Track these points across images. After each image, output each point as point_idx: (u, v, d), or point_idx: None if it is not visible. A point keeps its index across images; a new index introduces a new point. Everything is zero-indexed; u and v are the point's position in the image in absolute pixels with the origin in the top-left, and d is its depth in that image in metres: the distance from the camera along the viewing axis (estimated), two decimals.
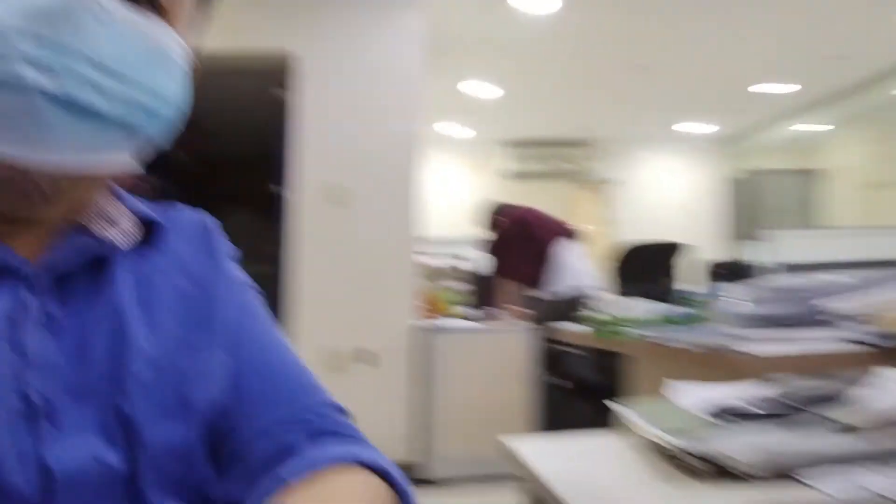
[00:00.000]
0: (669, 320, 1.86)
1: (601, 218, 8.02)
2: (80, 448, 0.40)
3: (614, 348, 1.96)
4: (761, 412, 0.61)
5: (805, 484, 0.50)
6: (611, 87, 5.84)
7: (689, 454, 0.57)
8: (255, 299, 0.57)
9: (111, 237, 0.48)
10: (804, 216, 7.59)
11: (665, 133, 7.59)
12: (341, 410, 0.52)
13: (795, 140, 7.48)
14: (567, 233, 3.69)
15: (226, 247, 0.57)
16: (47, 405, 0.40)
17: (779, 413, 0.60)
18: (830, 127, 7.16)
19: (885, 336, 1.25)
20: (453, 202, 7.44)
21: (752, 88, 6.05)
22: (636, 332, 1.81)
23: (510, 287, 3.73)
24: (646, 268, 3.34)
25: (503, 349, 3.42)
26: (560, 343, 2.93)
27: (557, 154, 7.63)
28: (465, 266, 4.46)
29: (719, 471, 0.56)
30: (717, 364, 1.38)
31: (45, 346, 0.42)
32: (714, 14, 4.31)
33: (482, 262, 4.44)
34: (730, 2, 4.14)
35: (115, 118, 0.41)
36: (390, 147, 3.51)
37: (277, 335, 0.55)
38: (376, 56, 3.55)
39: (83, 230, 0.47)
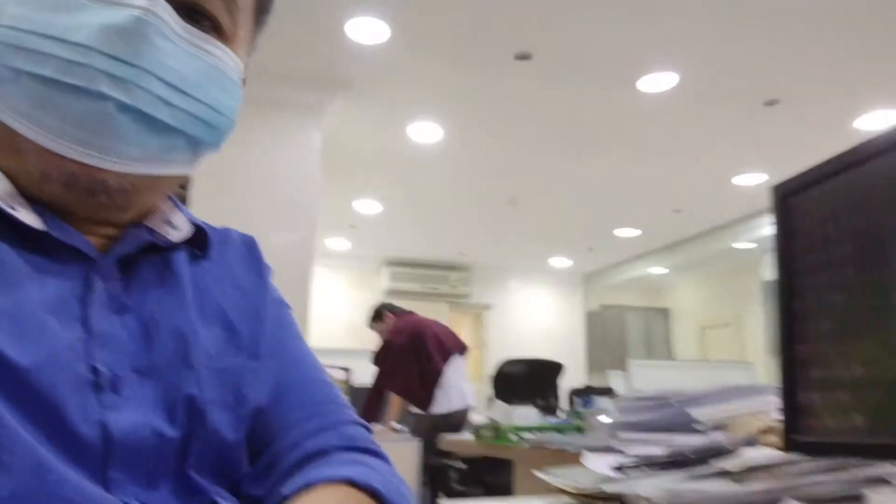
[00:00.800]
0: (554, 428, 2.02)
1: (474, 340, 8.30)
2: (139, 418, 0.44)
3: (499, 454, 2.07)
4: (663, 463, 0.75)
5: None
6: (485, 216, 6.32)
7: (604, 497, 0.69)
8: (292, 318, 0.62)
9: (168, 234, 0.52)
10: (651, 349, 8.34)
11: (535, 265, 8.19)
12: (365, 427, 0.57)
13: (643, 280, 8.35)
14: (460, 349, 3.73)
15: (266, 267, 0.62)
16: (113, 377, 0.44)
17: (677, 463, 0.74)
18: (669, 272, 8.10)
19: (734, 441, 1.45)
20: (333, 315, 7.43)
21: (613, 231, 6.81)
22: (524, 437, 1.94)
23: (394, 401, 3.71)
24: (532, 383, 3.52)
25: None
26: (443, 456, 2.99)
27: (433, 276, 7.95)
28: (343, 377, 4.43)
29: None
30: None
31: (111, 325, 0.46)
32: (576, 158, 4.92)
33: (360, 373, 4.44)
34: (590, 149, 4.76)
35: (179, 129, 0.47)
36: (289, 255, 3.56)
37: (311, 354, 0.60)
38: (275, 166, 3.67)
39: (146, 227, 0.52)
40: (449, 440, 2.72)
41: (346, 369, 4.41)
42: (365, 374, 4.66)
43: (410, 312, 4.00)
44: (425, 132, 4.44)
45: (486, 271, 8.22)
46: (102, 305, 0.46)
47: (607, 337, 8.24)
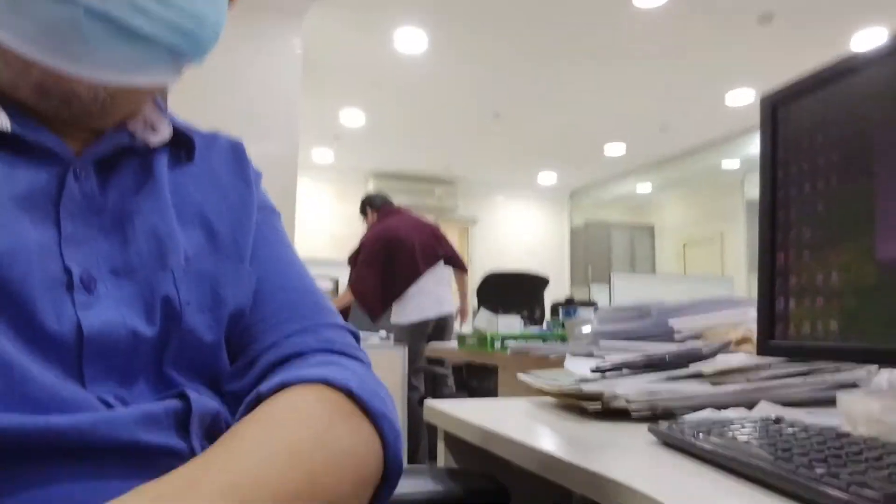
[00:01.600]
0: (537, 337, 2.07)
1: (460, 253, 8.40)
2: (114, 316, 0.44)
3: (483, 361, 2.14)
4: (642, 364, 0.78)
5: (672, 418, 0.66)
6: (471, 130, 6.23)
7: (583, 396, 0.72)
8: (279, 223, 0.62)
9: (147, 137, 0.52)
10: (635, 265, 8.49)
11: (522, 180, 8.16)
12: (349, 332, 0.58)
13: (629, 197, 8.38)
14: (445, 257, 3.64)
15: (255, 172, 0.62)
16: (87, 277, 0.44)
17: (655, 365, 0.77)
18: (654, 189, 8.12)
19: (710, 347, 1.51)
20: (319, 227, 7.44)
21: (600, 147, 6.76)
22: (508, 345, 2.00)
23: (342, 298, 3.69)
24: (517, 295, 3.59)
25: (377, 368, 3.47)
26: (430, 362, 3.08)
27: (419, 189, 7.91)
28: (330, 288, 4.50)
29: (607, 410, 0.71)
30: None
31: (86, 225, 0.46)
32: (566, 72, 4.81)
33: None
34: (580, 63, 4.65)
35: (157, 39, 0.44)
36: (270, 167, 3.49)
37: (297, 259, 0.61)
38: (252, 72, 3.54)
39: (126, 131, 0.51)
40: (434, 347, 2.80)
41: (334, 279, 4.48)
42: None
43: (395, 209, 3.81)
44: (411, 40, 4.29)
45: (472, 185, 8.19)
46: (76, 205, 0.46)
47: (592, 253, 8.35)
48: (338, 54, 4.53)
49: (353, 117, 5.92)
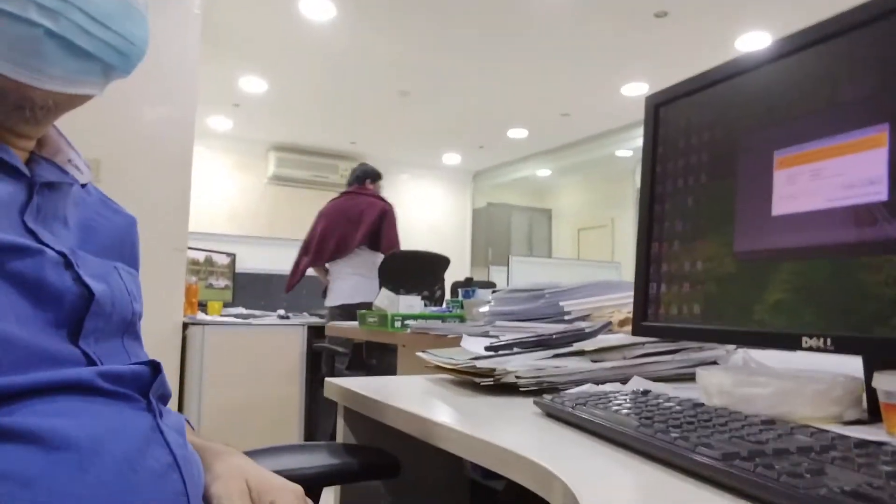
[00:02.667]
0: (436, 316, 2.12)
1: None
2: (102, 286, 0.56)
3: (383, 340, 2.16)
4: (530, 343, 0.83)
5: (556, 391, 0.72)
6: (378, 107, 6.17)
7: (478, 372, 0.76)
8: None
9: (77, 176, 0.62)
10: (533, 247, 8.79)
11: (427, 160, 8.20)
12: None
13: (529, 181, 8.63)
14: (369, 243, 3.68)
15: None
16: (75, 257, 0.55)
17: (542, 343, 0.82)
18: (553, 174, 8.42)
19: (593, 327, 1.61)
20: (216, 200, 7.15)
21: (504, 131, 6.90)
22: (408, 324, 2.03)
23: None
24: (418, 273, 3.62)
25: (273, 347, 3.43)
26: (333, 342, 3.07)
27: (322, 164, 7.76)
28: (226, 262, 4.35)
29: (498, 385, 0.76)
30: None
31: (51, 227, 0.55)
32: (473, 55, 4.87)
33: (246, 259, 4.39)
34: (487, 47, 4.73)
35: (96, 56, 0.54)
36: (165, 132, 3.32)
37: None
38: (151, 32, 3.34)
39: (57, 165, 0.60)
40: (334, 326, 2.79)
41: (230, 254, 4.33)
42: (250, 259, 4.60)
43: (351, 190, 3.93)
44: (318, 8, 4.18)
45: (377, 163, 8.09)
46: (34, 216, 0.55)
47: (492, 234, 8.55)
48: (239, 16, 4.35)
49: (254, 85, 5.70)
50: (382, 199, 3.93)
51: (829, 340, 0.58)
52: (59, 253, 0.53)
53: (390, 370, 2.32)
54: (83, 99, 0.58)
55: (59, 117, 0.60)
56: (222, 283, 4.25)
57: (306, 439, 3.41)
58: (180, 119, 3.39)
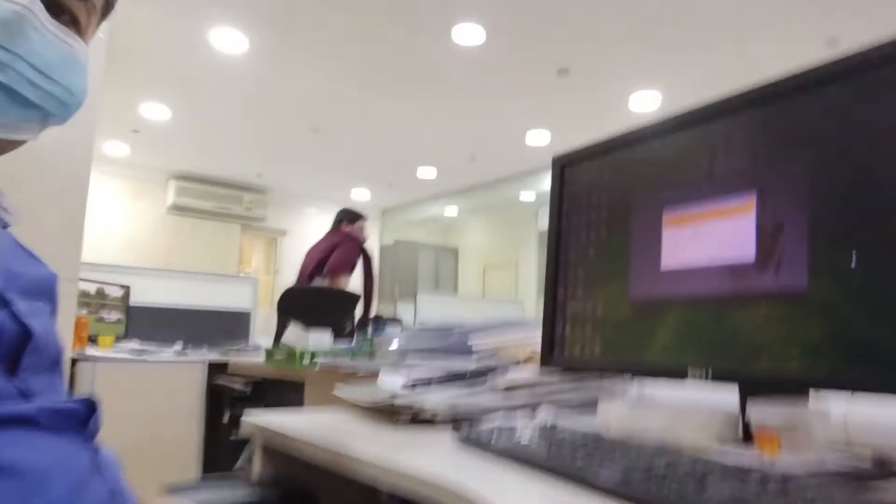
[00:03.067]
0: (346, 353, 2.13)
1: (266, 265, 8.15)
2: (37, 324, 0.56)
3: (291, 377, 2.14)
4: (446, 378, 0.88)
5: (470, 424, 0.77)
6: (287, 140, 6.14)
7: (394, 406, 0.80)
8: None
9: (5, 213, 0.63)
10: (440, 283, 8.90)
11: (336, 195, 8.17)
12: None
13: (437, 220, 8.80)
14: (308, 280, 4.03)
15: None
16: (6, 297, 0.54)
17: (457, 379, 0.87)
18: (460, 214, 8.63)
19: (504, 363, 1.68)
20: (110, 229, 6.78)
21: (413, 169, 7.03)
22: (317, 361, 2.03)
23: None
24: (323, 308, 3.59)
25: (170, 384, 3.28)
26: (233, 377, 2.98)
27: (226, 195, 7.56)
28: (119, 295, 4.13)
29: (414, 419, 0.80)
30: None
31: None
32: (385, 95, 4.98)
33: (142, 292, 4.19)
34: (399, 88, 4.86)
35: (38, 105, 0.57)
36: (60, 156, 3.15)
37: None
38: None
39: None
40: (237, 364, 2.72)
41: (124, 286, 4.12)
42: (146, 292, 4.39)
43: (333, 230, 4.23)
44: (230, 40, 4.15)
45: (284, 196, 8.03)
46: None
47: (399, 271, 8.60)
48: (146, 44, 4.24)
49: (155, 111, 5.52)
50: (350, 238, 4.28)
51: (710, 371, 0.67)
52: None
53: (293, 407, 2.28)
54: (18, 144, 0.60)
55: None
56: (114, 316, 4.03)
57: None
58: (77, 143, 3.23)
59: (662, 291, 0.68)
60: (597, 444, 0.60)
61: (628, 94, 4.73)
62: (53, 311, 0.67)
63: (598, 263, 0.75)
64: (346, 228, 4.28)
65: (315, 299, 3.57)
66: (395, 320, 4.54)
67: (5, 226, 0.63)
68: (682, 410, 0.73)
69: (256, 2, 3.70)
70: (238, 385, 3.25)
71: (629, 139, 0.75)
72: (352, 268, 4.25)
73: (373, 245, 8.86)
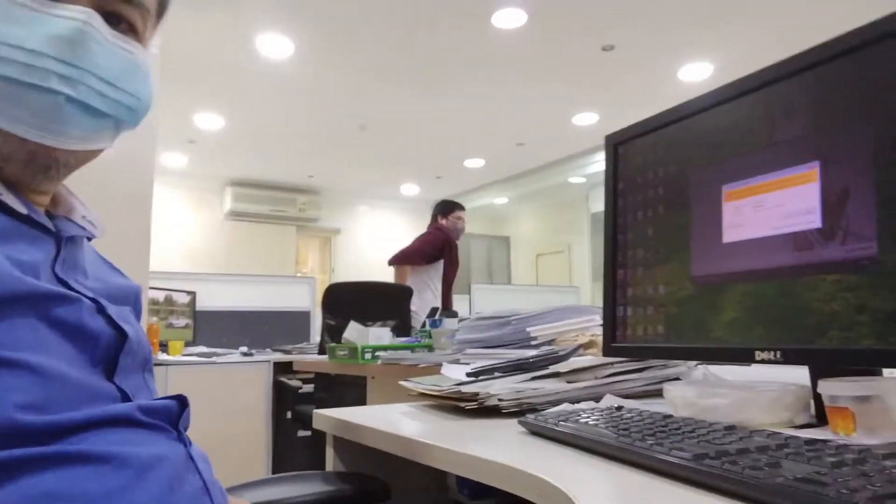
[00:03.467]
0: (405, 347, 2.15)
1: (322, 264, 8.31)
2: (127, 325, 0.60)
3: (354, 372, 2.18)
4: (509, 367, 0.88)
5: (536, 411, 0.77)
6: (335, 140, 6.23)
7: (460, 395, 0.81)
8: None
9: (92, 231, 0.66)
10: (493, 274, 8.89)
11: (386, 191, 8.26)
12: None
13: (487, 209, 8.78)
14: None
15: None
16: (101, 304, 0.58)
17: (520, 367, 0.88)
18: (510, 202, 8.58)
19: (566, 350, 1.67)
20: (173, 237, 7.04)
21: (461, 161, 7.03)
22: (378, 355, 2.06)
23: None
24: (385, 305, 3.64)
25: (239, 384, 3.39)
26: (296, 374, 3.06)
27: (281, 198, 7.74)
28: (186, 301, 4.29)
29: (481, 408, 0.81)
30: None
31: (74, 279, 0.59)
32: (428, 88, 5.00)
33: (206, 297, 4.33)
34: (442, 79, 4.86)
35: (109, 115, 0.60)
36: (124, 171, 3.29)
37: None
38: None
39: (73, 222, 0.64)
40: (301, 361, 2.79)
41: (190, 292, 4.28)
42: (211, 297, 4.54)
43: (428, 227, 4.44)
44: (275, 46, 4.24)
45: (336, 195, 8.16)
46: (66, 266, 0.60)
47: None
48: (196, 54, 4.36)
49: (210, 121, 5.69)
50: (434, 230, 4.52)
51: (778, 353, 0.65)
52: (91, 299, 0.58)
53: (359, 403, 2.33)
54: (97, 153, 0.64)
55: (73, 172, 0.65)
56: (182, 321, 4.18)
57: (274, 473, 3.36)
58: (140, 156, 3.37)
59: (726, 267, 0.67)
60: (665, 426, 0.59)
61: (678, 66, 4.60)
62: (138, 319, 0.71)
63: (658, 242, 0.73)
64: (442, 221, 4.45)
65: (360, 295, 3.60)
66: (451, 312, 4.57)
67: (90, 238, 0.66)
68: (751, 389, 0.71)
69: (298, 6, 3.76)
70: (300, 383, 3.33)
71: (684, 112, 0.73)
72: (420, 259, 4.36)
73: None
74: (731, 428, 0.58)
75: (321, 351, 3.38)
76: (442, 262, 4.36)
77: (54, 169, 0.59)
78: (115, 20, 0.60)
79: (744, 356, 0.68)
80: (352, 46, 4.27)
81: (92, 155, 0.63)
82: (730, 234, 0.67)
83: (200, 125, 5.76)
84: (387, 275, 6.13)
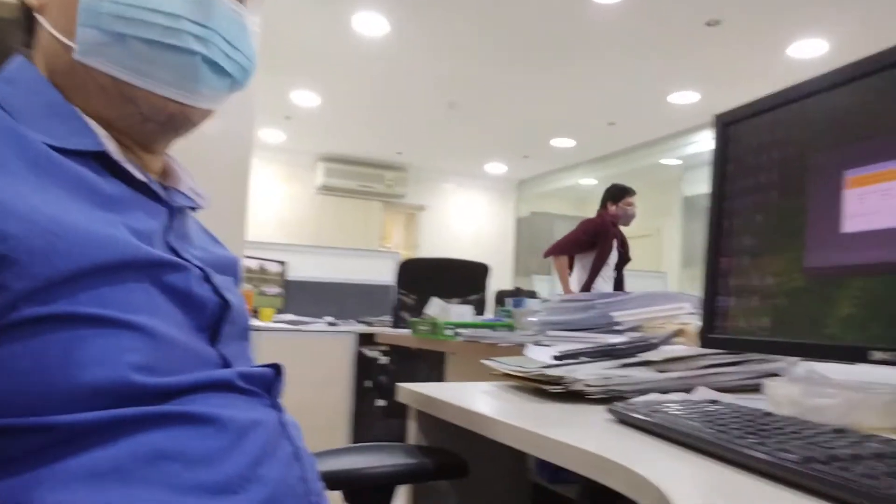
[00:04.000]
0: (486, 325, 2.15)
1: (407, 240, 8.44)
2: (231, 297, 0.62)
3: (436, 347, 2.20)
4: (597, 353, 0.86)
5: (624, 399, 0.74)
6: (424, 117, 6.26)
7: (546, 377, 0.80)
8: None
9: (198, 198, 0.68)
10: None
11: (471, 169, 8.25)
12: None
13: (573, 190, 8.59)
14: None
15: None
16: (208, 272, 0.60)
17: (608, 354, 0.85)
18: (598, 183, 8.35)
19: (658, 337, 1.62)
20: (267, 209, 7.34)
21: (549, 141, 6.90)
22: (461, 332, 2.07)
23: None
24: (461, 281, 3.66)
25: (323, 353, 3.52)
26: (377, 346, 3.13)
27: (369, 174, 7.89)
28: (279, 270, 4.47)
29: (565, 393, 0.79)
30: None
31: (183, 247, 0.61)
32: (519, 66, 4.91)
33: (295, 267, 4.50)
34: (533, 58, 4.76)
35: (231, 74, 0.62)
36: (223, 146, 3.44)
37: None
38: None
39: (183, 193, 0.66)
40: (383, 334, 2.85)
41: (281, 262, 4.45)
42: (299, 267, 4.71)
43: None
44: (371, 24, 4.28)
45: (422, 172, 8.23)
46: (175, 234, 0.62)
47: (535, 243, 8.52)
48: (295, 34, 4.48)
49: (305, 98, 5.85)
50: (597, 217, 4.53)
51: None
52: (199, 268, 0.60)
53: (437, 378, 2.36)
54: (210, 114, 0.66)
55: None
56: (274, 290, 4.36)
57: (354, 442, 3.47)
58: (238, 133, 3.51)
59: (844, 259, 0.62)
60: (766, 425, 0.56)
61: (788, 43, 4.30)
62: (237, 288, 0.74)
63: (768, 229, 0.69)
64: (611, 208, 4.45)
65: (436, 271, 3.61)
66: (531, 293, 4.52)
67: (194, 209, 0.69)
68: (863, 390, 0.66)
69: None
70: (379, 354, 3.41)
71: (804, 91, 0.68)
72: (572, 248, 4.41)
73: (509, 217, 8.87)
74: (840, 431, 0.53)
75: (395, 325, 3.44)
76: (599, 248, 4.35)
77: (185, 128, 0.62)
78: None
79: (856, 355, 0.63)
80: (444, 24, 4.25)
81: (209, 114, 0.65)
82: (851, 224, 0.62)
83: (297, 102, 5.93)
84: (469, 253, 6.14)
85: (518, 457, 0.98)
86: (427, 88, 5.46)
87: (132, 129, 0.60)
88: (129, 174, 0.58)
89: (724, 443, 0.51)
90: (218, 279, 0.61)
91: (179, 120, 0.61)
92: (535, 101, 5.67)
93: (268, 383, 0.60)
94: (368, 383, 3.50)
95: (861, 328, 0.63)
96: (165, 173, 0.68)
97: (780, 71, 4.57)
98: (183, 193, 0.66)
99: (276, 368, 0.62)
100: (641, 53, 4.59)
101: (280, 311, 4.18)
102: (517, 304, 2.46)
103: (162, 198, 0.61)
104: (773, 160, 0.69)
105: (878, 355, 0.62)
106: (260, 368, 0.60)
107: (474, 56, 4.73)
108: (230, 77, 0.63)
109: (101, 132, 0.58)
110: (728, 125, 0.77)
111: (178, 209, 0.63)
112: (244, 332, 0.65)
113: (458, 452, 0.87)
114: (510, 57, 4.72)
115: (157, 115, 0.59)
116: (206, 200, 0.70)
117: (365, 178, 7.85)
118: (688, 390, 0.82)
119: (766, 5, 3.80)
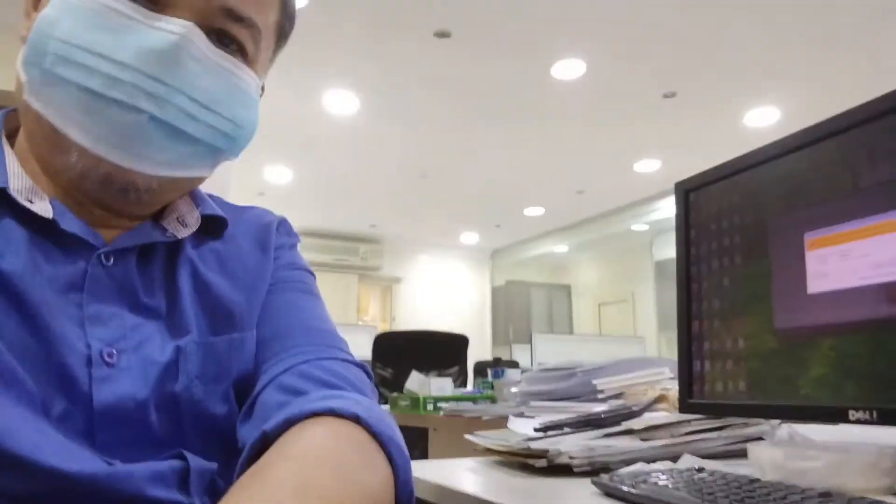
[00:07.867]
0: (468, 398, 2.13)
1: (382, 313, 8.39)
2: (126, 389, 0.49)
3: (416, 423, 2.16)
4: (580, 423, 0.85)
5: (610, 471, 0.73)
6: (397, 190, 6.36)
7: (530, 451, 0.78)
8: (304, 279, 0.67)
9: (174, 230, 0.58)
10: (554, 323, 8.74)
11: (446, 239, 8.33)
12: (357, 365, 0.59)
13: (547, 258, 8.70)
14: None
15: (280, 240, 0.69)
16: (108, 352, 0.50)
17: (591, 423, 0.84)
18: (570, 250, 8.48)
19: (640, 405, 1.60)
20: None
21: (520, 209, 7.03)
22: (441, 406, 2.04)
23: None
24: (439, 354, 3.62)
25: None
26: None
27: (343, 247, 7.91)
28: None
29: (550, 466, 0.78)
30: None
31: (106, 305, 0.51)
32: (488, 137, 5.06)
33: None
34: (501, 129, 4.91)
35: (201, 140, 0.54)
36: None
37: (314, 306, 0.64)
38: None
39: (160, 225, 0.58)
40: None
41: None
42: None
43: None
44: (341, 102, 4.40)
45: (396, 244, 8.27)
46: (103, 287, 0.52)
47: (512, 311, 8.54)
48: (267, 111, 4.53)
49: (278, 174, 5.92)
50: None
51: (875, 413, 0.60)
52: (88, 346, 0.49)
53: (420, 455, 2.29)
54: (193, 181, 0.58)
55: (174, 197, 0.60)
56: None
57: None
58: None
59: (812, 319, 0.63)
60: (753, 491, 0.55)
61: (743, 111, 4.51)
62: (263, 273, 0.63)
63: (736, 292, 0.70)
64: None
65: (412, 343, 3.57)
66: (511, 363, 4.49)
67: (175, 241, 0.59)
68: (845, 451, 0.66)
69: (365, 63, 3.90)
70: None
71: (760, 158, 0.71)
72: None
73: (484, 287, 8.90)
74: (826, 495, 0.53)
75: None
76: None
77: (132, 192, 0.53)
78: (226, 41, 0.55)
79: (836, 415, 0.63)
80: (414, 99, 4.39)
81: (188, 183, 0.58)
82: (815, 285, 0.63)
83: (270, 178, 5.99)
84: (446, 324, 6.10)
85: None
86: (399, 161, 5.57)
87: (73, 184, 0.53)
88: (32, 213, 0.50)
89: None
90: (120, 361, 0.50)
91: (119, 182, 0.52)
92: (505, 170, 5.82)
93: (182, 477, 0.49)
94: None
95: (835, 388, 0.64)
96: (165, 210, 0.60)
97: (738, 139, 4.77)
98: (162, 227, 0.58)
99: (181, 458, 0.50)
100: (604, 125, 4.77)
101: None
102: (497, 375, 2.44)
103: (83, 239, 0.52)
104: (735, 225, 0.72)
105: (856, 414, 0.62)
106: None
107: (445, 128, 4.87)
108: (203, 143, 0.54)
109: (41, 179, 0.52)
110: (689, 192, 0.79)
111: (118, 251, 0.53)
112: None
113: None
114: (478, 127, 4.87)
115: (91, 174, 0.51)
116: (189, 228, 0.59)
117: (340, 252, 7.86)
118: (673, 458, 0.81)
119: (719, 77, 4.00)
